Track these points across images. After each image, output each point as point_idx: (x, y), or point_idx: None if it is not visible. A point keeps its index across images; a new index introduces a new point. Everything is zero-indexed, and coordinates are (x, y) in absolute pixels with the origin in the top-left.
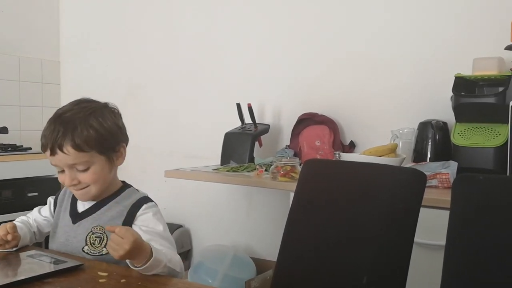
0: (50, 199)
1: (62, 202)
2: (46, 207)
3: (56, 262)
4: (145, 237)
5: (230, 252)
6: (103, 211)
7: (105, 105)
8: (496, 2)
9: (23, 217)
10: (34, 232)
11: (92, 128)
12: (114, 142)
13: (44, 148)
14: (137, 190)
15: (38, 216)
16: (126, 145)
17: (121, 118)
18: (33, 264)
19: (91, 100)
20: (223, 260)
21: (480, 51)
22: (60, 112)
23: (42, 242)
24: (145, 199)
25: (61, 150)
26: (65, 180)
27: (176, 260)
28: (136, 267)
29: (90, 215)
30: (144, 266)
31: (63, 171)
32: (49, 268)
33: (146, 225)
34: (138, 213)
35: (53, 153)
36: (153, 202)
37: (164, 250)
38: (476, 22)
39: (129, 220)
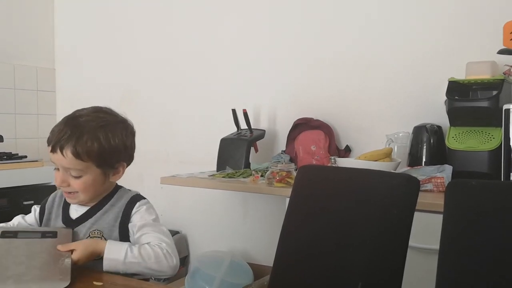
0: (36, 207)
1: (52, 209)
2: (31, 214)
3: (48, 234)
4: (139, 234)
5: (227, 258)
6: (100, 216)
7: (122, 121)
8: (488, 6)
9: (2, 224)
10: None
11: (97, 141)
12: (115, 160)
13: (48, 142)
14: (128, 190)
15: (22, 223)
16: (128, 165)
17: (133, 137)
18: (34, 245)
19: (110, 112)
20: (220, 266)
21: (473, 55)
22: (77, 114)
23: None
24: (138, 197)
25: (61, 152)
26: (56, 179)
27: (154, 261)
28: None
29: (86, 220)
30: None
31: (59, 169)
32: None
33: (140, 222)
34: (132, 212)
35: (53, 150)
36: (145, 199)
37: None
38: (469, 26)
39: (124, 220)
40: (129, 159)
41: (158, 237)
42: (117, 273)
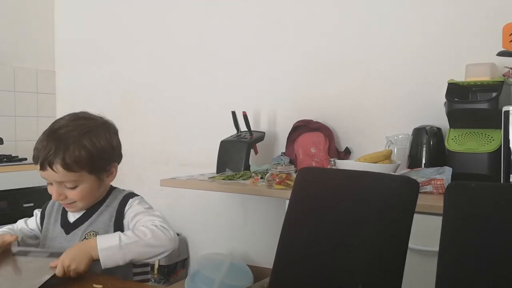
0: (37, 212)
1: (51, 214)
2: (33, 219)
3: (55, 254)
4: (134, 221)
5: (227, 260)
6: (95, 217)
7: (103, 124)
8: (488, 8)
9: (9, 226)
10: (18, 241)
11: (85, 149)
12: (106, 162)
13: (35, 161)
14: (122, 190)
15: (24, 227)
16: (119, 163)
17: (117, 136)
18: (34, 263)
19: (88, 116)
20: (220, 268)
21: (472, 57)
22: (56, 127)
23: None
24: (131, 195)
25: (51, 168)
26: (52, 194)
27: (151, 236)
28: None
29: (83, 223)
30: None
31: (52, 183)
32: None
33: (133, 212)
34: (126, 209)
35: (42, 168)
36: (138, 196)
37: (137, 231)
38: (468, 28)
39: (119, 218)
40: (118, 158)
41: (150, 219)
42: (117, 267)
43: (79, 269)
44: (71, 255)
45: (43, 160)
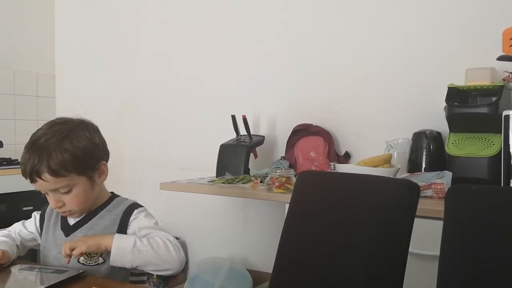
0: (36, 214)
1: (51, 216)
2: (31, 221)
3: (59, 271)
4: (142, 233)
5: (226, 264)
6: (96, 221)
7: (80, 123)
8: (487, 13)
9: (5, 231)
10: (17, 245)
11: (67, 152)
12: (92, 161)
13: (24, 175)
14: (126, 198)
15: (23, 230)
16: (107, 161)
17: (98, 133)
18: (34, 276)
19: (65, 120)
20: (219, 272)
21: (472, 61)
22: (35, 138)
23: (38, 254)
24: (135, 205)
25: (40, 178)
26: (51, 203)
27: (164, 250)
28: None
29: (82, 225)
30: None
31: (47, 193)
32: (55, 278)
33: (141, 224)
34: (131, 219)
35: (32, 180)
36: (143, 207)
37: (151, 241)
38: (468, 33)
39: (122, 227)
40: (105, 154)
41: (164, 234)
42: (116, 274)
43: (84, 245)
44: (83, 237)
45: (30, 172)
